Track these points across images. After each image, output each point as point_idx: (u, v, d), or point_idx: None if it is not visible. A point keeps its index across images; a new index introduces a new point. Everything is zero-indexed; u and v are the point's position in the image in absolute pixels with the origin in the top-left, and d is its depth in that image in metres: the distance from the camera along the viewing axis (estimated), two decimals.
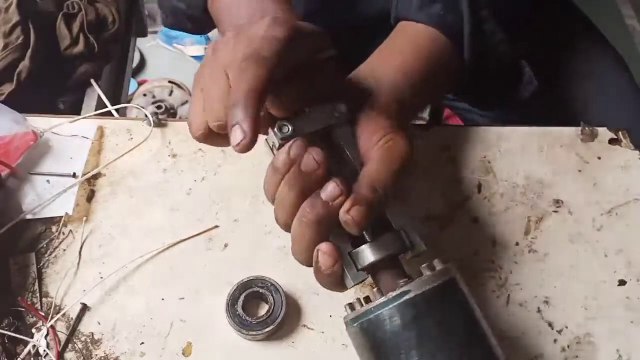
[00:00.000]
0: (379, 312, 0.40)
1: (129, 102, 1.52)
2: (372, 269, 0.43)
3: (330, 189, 0.41)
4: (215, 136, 0.44)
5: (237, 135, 0.39)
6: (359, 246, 0.43)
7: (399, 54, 0.53)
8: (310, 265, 0.44)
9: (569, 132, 0.66)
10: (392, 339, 0.40)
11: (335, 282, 0.43)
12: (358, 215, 0.41)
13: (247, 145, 0.40)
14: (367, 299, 0.42)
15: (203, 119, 0.43)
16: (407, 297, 0.39)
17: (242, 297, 0.53)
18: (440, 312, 0.40)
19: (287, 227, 0.44)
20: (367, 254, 0.42)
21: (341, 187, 0.41)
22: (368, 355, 0.42)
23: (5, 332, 0.51)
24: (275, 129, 0.43)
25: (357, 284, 0.43)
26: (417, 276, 0.41)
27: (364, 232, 0.43)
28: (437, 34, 0.54)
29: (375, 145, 0.44)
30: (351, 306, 0.43)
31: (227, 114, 0.40)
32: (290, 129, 0.43)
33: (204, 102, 0.43)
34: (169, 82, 1.76)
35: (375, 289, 0.43)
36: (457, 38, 0.54)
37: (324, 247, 0.42)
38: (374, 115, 0.46)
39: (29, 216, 0.58)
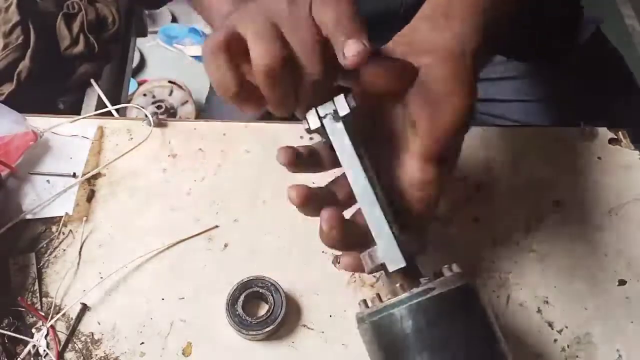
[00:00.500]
0: (392, 311, 0.40)
1: (129, 102, 1.52)
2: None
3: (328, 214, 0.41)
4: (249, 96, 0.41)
5: (354, 47, 0.37)
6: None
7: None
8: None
9: (569, 132, 0.66)
10: (402, 340, 0.39)
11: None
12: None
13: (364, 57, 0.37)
14: (378, 297, 0.42)
15: (232, 76, 0.40)
16: (431, 294, 0.39)
17: (242, 297, 0.53)
18: (460, 315, 0.40)
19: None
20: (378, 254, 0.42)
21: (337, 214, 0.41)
22: (377, 354, 0.41)
23: (5, 332, 0.51)
24: (342, 99, 0.41)
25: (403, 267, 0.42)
26: (443, 272, 0.41)
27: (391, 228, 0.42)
28: None
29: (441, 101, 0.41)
30: (365, 303, 0.43)
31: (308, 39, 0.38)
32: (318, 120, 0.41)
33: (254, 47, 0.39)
34: (169, 82, 1.76)
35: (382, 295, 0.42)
36: None
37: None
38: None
39: (29, 216, 0.58)
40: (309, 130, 0.42)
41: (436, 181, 0.42)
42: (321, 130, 0.42)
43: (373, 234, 0.41)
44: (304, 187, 0.41)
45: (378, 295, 0.42)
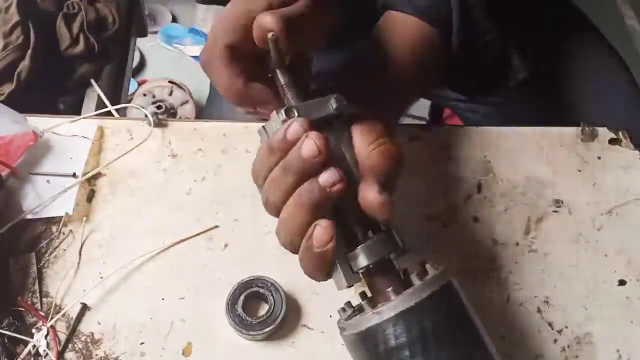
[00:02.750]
0: (374, 324, 0.39)
1: (129, 102, 1.52)
2: (367, 272, 0.42)
3: (329, 174, 0.39)
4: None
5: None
6: (354, 248, 0.42)
7: (390, 47, 0.52)
8: (294, 251, 0.43)
9: (569, 132, 0.66)
10: (385, 352, 0.39)
11: (323, 265, 0.42)
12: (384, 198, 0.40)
13: None
14: (363, 295, 0.42)
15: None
16: (402, 309, 0.39)
17: (242, 297, 0.53)
18: (436, 321, 0.39)
19: (276, 211, 0.43)
20: (361, 258, 0.41)
21: (341, 175, 0.40)
22: None
23: (5, 332, 0.51)
24: (282, 112, 0.41)
25: (350, 286, 0.42)
26: (411, 279, 0.41)
27: (358, 233, 0.42)
28: (424, 25, 0.53)
29: (369, 146, 0.43)
30: (344, 310, 0.43)
31: None
32: (295, 114, 0.41)
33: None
34: (169, 82, 1.76)
35: (368, 293, 0.42)
36: (445, 28, 0.54)
37: (323, 222, 0.40)
38: (369, 116, 0.44)
39: (29, 216, 0.58)
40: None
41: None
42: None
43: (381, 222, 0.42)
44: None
45: (361, 294, 0.42)
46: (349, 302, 0.44)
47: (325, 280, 0.44)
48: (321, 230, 0.40)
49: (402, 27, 0.54)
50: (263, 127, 0.45)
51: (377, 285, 0.42)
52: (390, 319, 0.39)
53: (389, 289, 0.41)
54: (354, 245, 0.42)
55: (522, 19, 0.61)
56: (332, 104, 0.42)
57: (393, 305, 0.39)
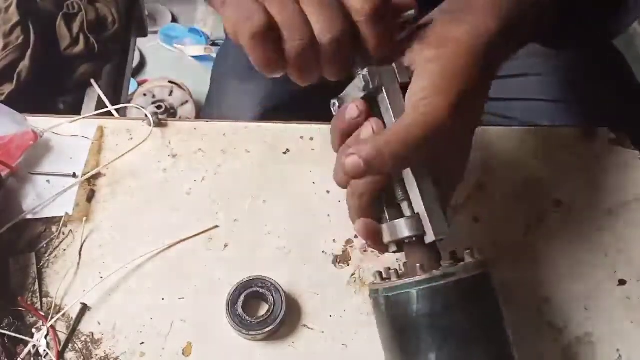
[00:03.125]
0: (409, 290, 0.40)
1: (129, 102, 1.52)
2: (407, 242, 0.44)
3: (365, 127, 0.43)
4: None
5: None
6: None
7: None
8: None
9: (569, 132, 0.66)
10: (415, 320, 0.40)
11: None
12: (350, 162, 0.41)
13: None
14: (396, 273, 0.43)
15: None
16: (449, 280, 0.39)
17: (242, 297, 0.53)
18: (469, 305, 0.40)
19: (345, 182, 0.45)
20: (403, 228, 0.43)
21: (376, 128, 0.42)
22: (386, 330, 0.42)
23: (5, 332, 0.51)
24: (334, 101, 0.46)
25: (394, 251, 0.45)
26: (449, 260, 0.42)
27: (404, 206, 0.44)
28: None
29: (411, 108, 0.41)
30: (380, 275, 0.43)
31: None
32: (337, 104, 0.45)
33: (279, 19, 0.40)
34: (169, 82, 1.76)
35: (403, 265, 0.43)
36: None
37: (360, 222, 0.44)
38: (424, 70, 0.42)
39: (29, 216, 0.58)
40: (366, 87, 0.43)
41: None
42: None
43: (421, 204, 0.42)
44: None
45: (396, 270, 0.43)
46: (380, 272, 0.45)
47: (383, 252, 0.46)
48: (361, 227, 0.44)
49: None
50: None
51: (415, 259, 0.43)
52: (428, 289, 0.40)
53: (427, 264, 0.42)
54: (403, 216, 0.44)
55: None
56: (360, 83, 0.43)
57: (423, 279, 0.40)
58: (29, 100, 0.81)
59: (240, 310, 0.52)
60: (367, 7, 0.39)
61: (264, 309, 0.54)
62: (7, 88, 0.81)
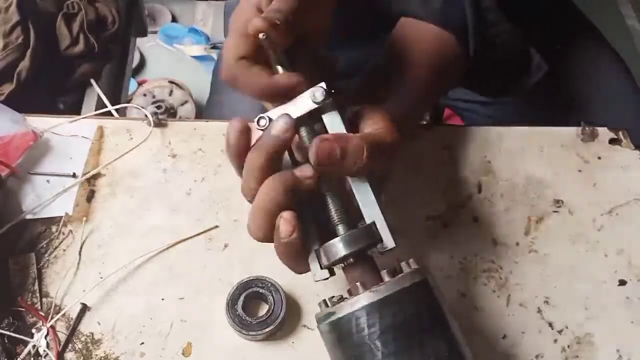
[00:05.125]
0: (346, 313, 0.40)
1: (129, 102, 1.52)
2: (345, 264, 0.43)
3: (306, 169, 0.42)
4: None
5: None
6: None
7: (407, 54, 0.52)
8: (262, 239, 0.44)
9: (569, 132, 0.66)
10: (358, 341, 0.39)
11: (292, 254, 0.43)
12: (322, 146, 0.41)
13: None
14: (340, 297, 0.43)
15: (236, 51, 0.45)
16: (373, 300, 0.39)
17: (242, 297, 0.53)
18: (406, 316, 0.39)
19: (251, 195, 0.44)
20: (338, 248, 0.41)
21: (313, 172, 0.42)
22: (335, 356, 0.42)
23: (5, 332, 0.51)
24: (256, 120, 0.44)
25: (322, 280, 0.43)
26: (388, 274, 0.41)
27: (339, 226, 0.42)
28: (440, 32, 0.53)
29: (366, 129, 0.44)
30: (325, 303, 0.43)
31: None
32: (267, 119, 0.44)
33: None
34: (169, 82, 1.76)
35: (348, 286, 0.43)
36: (461, 32, 0.54)
37: (285, 214, 0.41)
38: (377, 110, 0.45)
39: (29, 216, 0.58)
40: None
41: None
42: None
43: (378, 212, 0.42)
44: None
45: (341, 295, 0.43)
46: (326, 299, 0.44)
47: (303, 271, 0.45)
48: (284, 222, 0.41)
49: (417, 33, 0.54)
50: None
51: (355, 277, 0.42)
52: (361, 309, 0.39)
53: (365, 282, 0.41)
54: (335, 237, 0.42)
55: (527, 19, 0.61)
56: (315, 97, 0.43)
57: (365, 297, 0.39)
58: (29, 100, 0.80)
59: (240, 310, 0.52)
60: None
61: (264, 309, 0.54)
62: (7, 88, 0.81)
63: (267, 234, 0.43)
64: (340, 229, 0.42)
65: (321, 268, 0.43)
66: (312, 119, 0.44)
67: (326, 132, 0.43)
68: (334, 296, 0.43)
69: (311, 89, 0.43)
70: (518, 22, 0.56)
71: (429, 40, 0.53)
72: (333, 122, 0.43)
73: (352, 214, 0.43)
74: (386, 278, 0.41)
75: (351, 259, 0.42)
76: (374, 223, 0.42)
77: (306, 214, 0.43)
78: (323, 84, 0.43)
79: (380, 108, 0.46)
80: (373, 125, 0.44)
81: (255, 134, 0.45)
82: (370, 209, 0.42)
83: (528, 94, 0.63)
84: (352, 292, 0.41)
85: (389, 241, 0.42)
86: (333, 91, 0.43)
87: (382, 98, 0.50)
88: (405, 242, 0.44)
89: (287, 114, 0.42)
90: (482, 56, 0.55)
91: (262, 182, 0.43)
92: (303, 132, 0.44)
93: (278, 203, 0.42)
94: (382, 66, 0.54)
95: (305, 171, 0.42)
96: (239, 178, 0.62)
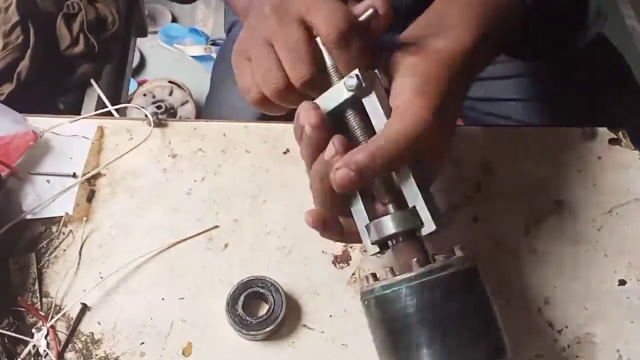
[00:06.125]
0: (395, 289, 0.40)
1: (129, 102, 1.52)
2: (394, 243, 0.43)
3: (328, 147, 0.43)
4: (269, 103, 0.46)
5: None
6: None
7: (464, 6, 0.49)
8: (319, 225, 0.45)
9: (569, 132, 0.66)
10: (403, 318, 0.40)
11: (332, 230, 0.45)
12: (340, 176, 0.41)
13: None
14: (386, 274, 0.43)
15: (257, 88, 0.45)
16: (422, 279, 0.40)
17: (242, 297, 0.53)
18: (458, 298, 0.40)
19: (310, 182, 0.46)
20: (388, 226, 0.43)
21: (336, 147, 0.42)
22: (378, 331, 0.42)
23: (5, 332, 0.51)
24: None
25: (374, 254, 0.44)
26: (436, 257, 0.42)
27: (389, 205, 0.43)
28: None
29: (394, 109, 0.43)
30: (373, 277, 0.43)
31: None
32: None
33: (256, 72, 0.45)
34: (169, 82, 1.76)
35: (392, 266, 0.43)
36: None
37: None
38: (407, 78, 0.44)
39: (29, 216, 0.58)
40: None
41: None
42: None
43: (418, 195, 0.42)
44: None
45: (391, 269, 0.43)
46: (374, 273, 0.44)
47: (340, 239, 0.47)
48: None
49: None
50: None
51: (403, 256, 0.43)
52: (409, 286, 0.40)
53: (413, 261, 0.42)
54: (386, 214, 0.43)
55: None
56: (346, 87, 0.43)
57: (410, 276, 0.40)
58: (29, 100, 0.80)
59: (240, 310, 0.52)
60: (332, 35, 0.42)
61: (264, 309, 0.54)
62: (7, 88, 0.81)
63: (324, 219, 0.45)
64: (391, 207, 0.43)
65: (371, 243, 0.44)
66: (357, 100, 0.44)
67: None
68: (375, 273, 0.44)
69: (345, 78, 0.43)
70: None
71: None
72: (371, 108, 0.44)
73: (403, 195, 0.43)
74: (439, 259, 0.41)
75: (400, 238, 0.43)
76: (415, 206, 0.43)
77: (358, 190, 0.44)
78: (356, 71, 0.43)
79: (415, 78, 0.44)
80: (402, 97, 0.43)
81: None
82: (411, 194, 0.43)
83: (529, 94, 0.63)
84: (401, 271, 0.42)
85: (429, 225, 0.42)
86: (375, 71, 0.43)
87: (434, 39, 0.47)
88: None
89: (315, 112, 0.42)
90: (539, 13, 0.53)
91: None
92: (349, 114, 0.44)
93: (325, 190, 0.43)
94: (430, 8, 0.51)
95: (330, 152, 0.42)
96: (239, 178, 0.62)
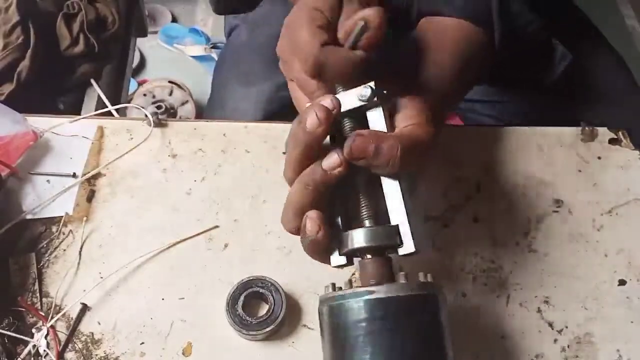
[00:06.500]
0: (347, 300, 0.40)
1: (129, 102, 1.52)
2: (361, 256, 0.43)
3: (332, 158, 0.42)
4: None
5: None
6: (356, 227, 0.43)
7: (432, 50, 0.52)
8: (294, 232, 0.45)
9: (569, 132, 0.66)
10: (352, 330, 0.40)
11: (318, 250, 0.44)
12: (349, 150, 0.41)
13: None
14: (350, 284, 0.43)
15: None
16: (373, 295, 0.40)
17: (242, 297, 0.53)
18: (403, 322, 0.40)
19: (290, 183, 0.45)
20: (356, 238, 0.42)
21: (342, 158, 0.42)
22: (327, 338, 0.42)
23: (5, 332, 0.51)
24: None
25: (340, 266, 0.44)
26: (402, 278, 0.41)
27: (365, 219, 0.43)
28: (465, 24, 0.53)
29: (399, 129, 0.44)
30: (333, 286, 0.44)
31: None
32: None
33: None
34: (169, 82, 1.76)
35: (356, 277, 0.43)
36: (486, 23, 0.53)
37: (311, 213, 0.42)
38: (409, 104, 0.46)
39: (29, 216, 0.58)
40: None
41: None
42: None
43: (391, 215, 0.42)
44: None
45: (350, 281, 0.43)
46: (335, 284, 0.44)
47: (327, 262, 0.45)
48: (310, 221, 0.42)
49: (442, 25, 0.54)
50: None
51: (367, 272, 0.42)
52: (363, 302, 0.40)
53: (375, 277, 0.41)
54: (358, 227, 0.43)
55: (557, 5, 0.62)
56: (364, 94, 0.43)
57: (370, 291, 0.40)
58: (29, 100, 0.80)
59: (240, 310, 0.52)
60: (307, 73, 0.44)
61: (264, 309, 0.54)
62: (7, 88, 0.81)
63: (298, 228, 0.44)
64: (367, 222, 0.43)
65: (339, 254, 0.44)
66: (357, 112, 0.44)
67: (367, 127, 0.44)
68: (341, 287, 0.44)
69: (360, 87, 0.44)
70: (543, 11, 0.56)
71: (455, 30, 0.53)
72: (375, 120, 0.44)
73: (382, 210, 0.43)
74: (400, 280, 0.41)
75: (368, 255, 0.42)
76: (398, 226, 0.42)
77: (337, 199, 0.44)
78: (372, 83, 0.43)
79: (416, 100, 0.46)
80: (409, 119, 0.45)
81: None
82: (397, 211, 0.42)
83: (529, 95, 0.63)
84: (362, 284, 0.42)
85: (408, 245, 0.42)
86: (384, 91, 0.44)
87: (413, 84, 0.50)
88: None
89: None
90: (508, 47, 0.55)
91: (298, 173, 0.43)
92: (346, 122, 0.44)
93: (307, 201, 0.43)
94: (407, 61, 0.53)
95: (332, 161, 0.42)
96: (239, 178, 0.62)
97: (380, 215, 0.43)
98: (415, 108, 0.45)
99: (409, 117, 0.45)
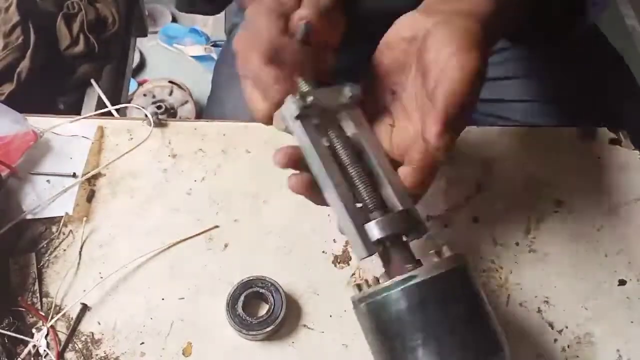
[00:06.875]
0: (386, 294, 0.40)
1: (129, 102, 1.52)
2: (383, 248, 0.43)
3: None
4: None
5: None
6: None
7: None
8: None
9: (569, 132, 0.66)
10: (396, 321, 0.40)
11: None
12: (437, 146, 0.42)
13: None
14: (376, 280, 0.43)
15: (265, 106, 0.46)
16: (413, 282, 0.40)
17: (242, 297, 0.53)
18: (445, 299, 0.40)
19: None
20: (376, 230, 0.42)
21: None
22: (373, 336, 0.42)
23: (5, 332, 0.51)
24: (297, 97, 0.43)
25: (367, 256, 0.43)
26: (426, 260, 0.42)
27: (375, 210, 0.43)
28: None
29: (445, 62, 0.41)
30: (359, 287, 0.43)
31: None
32: (310, 99, 0.43)
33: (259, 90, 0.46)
34: (169, 82, 1.76)
35: (383, 271, 0.43)
36: None
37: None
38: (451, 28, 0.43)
39: (29, 216, 0.58)
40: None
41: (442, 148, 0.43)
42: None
43: (398, 200, 0.43)
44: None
45: (375, 278, 0.43)
46: (359, 284, 0.44)
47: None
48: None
49: None
50: (280, 110, 0.46)
51: (391, 260, 0.43)
52: (399, 291, 0.40)
53: (403, 265, 0.42)
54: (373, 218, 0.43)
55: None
56: (347, 93, 0.44)
57: (403, 279, 0.40)
58: (29, 100, 0.80)
59: (240, 310, 0.52)
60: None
61: (264, 309, 0.54)
62: (7, 88, 0.81)
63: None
64: (377, 213, 0.43)
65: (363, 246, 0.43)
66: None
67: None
68: (366, 279, 0.44)
69: (347, 85, 0.44)
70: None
71: None
72: (355, 120, 0.45)
73: (383, 198, 0.44)
74: (428, 260, 0.42)
75: (387, 242, 0.43)
76: (409, 209, 0.43)
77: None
78: (347, 88, 0.44)
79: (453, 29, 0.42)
80: (445, 51, 0.41)
81: None
82: (403, 196, 0.43)
83: (528, 94, 0.63)
84: (389, 275, 0.42)
85: (422, 226, 0.43)
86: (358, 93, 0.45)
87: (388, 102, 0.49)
88: None
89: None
90: None
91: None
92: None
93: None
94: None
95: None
96: (239, 178, 0.62)
97: (383, 202, 0.44)
98: (448, 35, 0.42)
99: (447, 42, 0.41)
